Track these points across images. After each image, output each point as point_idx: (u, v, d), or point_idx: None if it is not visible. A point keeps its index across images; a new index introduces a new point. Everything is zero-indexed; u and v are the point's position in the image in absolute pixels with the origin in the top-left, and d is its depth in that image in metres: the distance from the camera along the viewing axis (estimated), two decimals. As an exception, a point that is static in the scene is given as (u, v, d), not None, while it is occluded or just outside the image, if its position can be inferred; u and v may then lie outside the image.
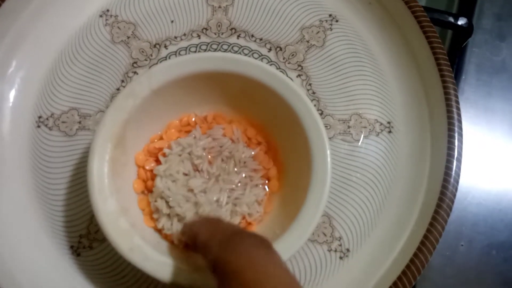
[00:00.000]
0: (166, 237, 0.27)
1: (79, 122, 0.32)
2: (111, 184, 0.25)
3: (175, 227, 0.27)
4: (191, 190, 0.27)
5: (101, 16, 0.35)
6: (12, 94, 0.33)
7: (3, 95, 0.32)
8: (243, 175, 0.29)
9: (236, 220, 0.28)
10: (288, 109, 0.27)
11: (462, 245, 0.37)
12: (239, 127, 0.30)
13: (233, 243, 0.19)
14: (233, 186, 0.28)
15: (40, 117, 0.32)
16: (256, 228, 0.29)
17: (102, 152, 0.25)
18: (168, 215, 0.27)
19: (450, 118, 0.31)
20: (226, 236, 0.20)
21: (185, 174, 0.28)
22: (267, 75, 0.27)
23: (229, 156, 0.29)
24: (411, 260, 0.28)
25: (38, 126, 0.32)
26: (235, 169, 0.29)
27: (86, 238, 0.30)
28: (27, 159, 0.31)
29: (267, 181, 0.30)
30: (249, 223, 0.29)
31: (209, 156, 0.29)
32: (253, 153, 0.30)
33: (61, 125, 0.32)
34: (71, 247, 0.30)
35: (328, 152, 0.26)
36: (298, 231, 0.25)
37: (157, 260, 0.24)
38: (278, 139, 0.30)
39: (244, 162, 0.29)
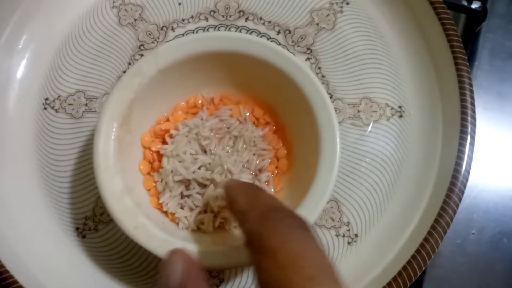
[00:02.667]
0: (172, 218, 0.27)
1: (86, 105, 0.32)
2: (117, 163, 0.25)
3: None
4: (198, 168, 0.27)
5: (108, -2, 0.34)
6: (19, 75, 0.32)
7: (10, 76, 0.32)
8: (253, 153, 0.28)
9: None
10: (296, 89, 0.27)
11: (473, 233, 0.36)
12: (247, 108, 0.30)
13: (272, 220, 0.18)
14: (244, 161, 0.28)
15: (46, 99, 0.32)
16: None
17: (108, 131, 0.25)
18: (171, 192, 0.27)
19: (463, 101, 0.30)
20: (265, 210, 0.19)
21: (192, 155, 0.28)
22: (276, 55, 0.27)
23: (238, 136, 0.29)
24: (421, 245, 0.28)
25: (45, 108, 0.32)
26: (244, 146, 0.28)
27: (91, 220, 0.30)
28: (33, 141, 0.31)
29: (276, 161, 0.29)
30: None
31: (217, 136, 0.28)
32: (261, 133, 0.29)
33: (67, 107, 0.32)
34: (77, 229, 0.30)
35: (337, 132, 0.26)
36: (305, 213, 0.25)
37: (161, 239, 0.24)
38: (286, 120, 0.30)
39: (254, 142, 0.28)
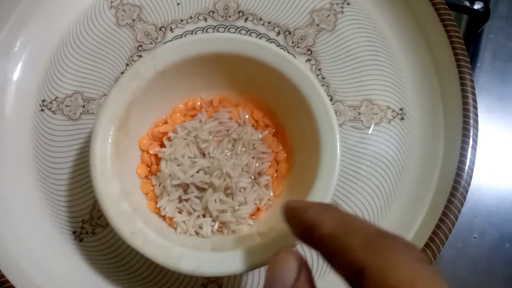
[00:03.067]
0: (170, 223, 0.27)
1: (83, 106, 0.32)
2: (114, 167, 0.25)
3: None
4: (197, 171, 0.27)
5: (106, -2, 0.34)
6: (15, 77, 0.32)
7: (7, 78, 0.32)
8: (252, 156, 0.28)
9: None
10: (296, 91, 0.26)
11: (474, 237, 0.36)
12: (246, 110, 0.29)
13: (389, 249, 0.14)
14: (243, 164, 0.27)
15: (44, 100, 0.32)
16: (265, 214, 0.28)
17: (105, 134, 0.25)
18: (169, 196, 0.26)
19: (465, 104, 0.30)
20: (374, 237, 0.15)
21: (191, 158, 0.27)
22: (275, 57, 0.26)
23: (237, 139, 0.28)
24: (422, 250, 0.27)
25: (42, 110, 0.32)
26: (243, 149, 0.28)
27: (89, 224, 0.29)
28: (30, 143, 0.31)
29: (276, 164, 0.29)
30: (258, 209, 0.28)
31: (215, 138, 0.28)
32: (260, 135, 0.29)
33: (65, 109, 0.32)
34: (74, 232, 0.29)
35: (338, 136, 0.25)
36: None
37: (159, 245, 0.23)
38: (286, 122, 0.29)
39: (253, 145, 0.28)
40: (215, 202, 0.26)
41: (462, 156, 0.29)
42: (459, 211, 0.28)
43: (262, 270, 0.29)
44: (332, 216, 0.17)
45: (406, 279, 0.13)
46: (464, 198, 0.28)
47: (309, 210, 0.18)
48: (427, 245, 0.27)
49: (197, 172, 0.27)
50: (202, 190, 0.27)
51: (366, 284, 0.14)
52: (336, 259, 0.16)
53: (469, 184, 0.29)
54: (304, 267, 0.18)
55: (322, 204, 0.18)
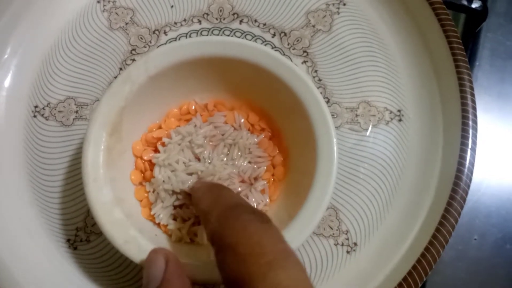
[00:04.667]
0: (165, 230, 0.26)
1: (76, 112, 0.31)
2: (107, 174, 0.24)
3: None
4: (190, 174, 0.26)
5: (98, 1, 0.33)
6: (7, 83, 0.32)
7: (-3, 84, 0.31)
8: (249, 161, 0.27)
9: None
10: (292, 94, 0.26)
11: (475, 239, 0.36)
12: (241, 114, 0.29)
13: (231, 218, 0.19)
14: (239, 169, 0.27)
15: (36, 106, 0.31)
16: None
17: (97, 140, 0.24)
18: (163, 203, 0.26)
19: (464, 105, 0.29)
20: (225, 210, 0.19)
21: (185, 164, 0.27)
22: (270, 60, 0.26)
23: (232, 143, 0.28)
24: (422, 255, 0.27)
25: (34, 116, 0.31)
26: (239, 153, 0.27)
27: (83, 231, 0.29)
28: (23, 150, 0.30)
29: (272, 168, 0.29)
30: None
31: (210, 143, 0.28)
32: (256, 139, 0.28)
33: (57, 114, 0.31)
34: (68, 240, 0.29)
35: (335, 140, 0.25)
36: (301, 224, 0.24)
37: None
38: (282, 126, 0.29)
39: (249, 149, 0.28)
40: None
41: (461, 158, 0.29)
42: (459, 214, 0.27)
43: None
44: (208, 196, 0.22)
45: (236, 235, 0.18)
46: (464, 200, 0.28)
47: (197, 190, 0.24)
48: (426, 249, 0.27)
49: (191, 175, 0.26)
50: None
51: (214, 245, 0.19)
52: (204, 228, 0.21)
53: (468, 186, 0.28)
54: (170, 258, 0.21)
55: (208, 186, 0.24)
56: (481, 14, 0.37)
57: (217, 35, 0.33)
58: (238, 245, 0.17)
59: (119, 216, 0.23)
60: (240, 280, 0.16)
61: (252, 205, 0.27)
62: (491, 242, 0.35)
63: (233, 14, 0.33)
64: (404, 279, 0.26)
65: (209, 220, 0.20)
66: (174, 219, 0.26)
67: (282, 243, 0.18)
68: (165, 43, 0.32)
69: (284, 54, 0.32)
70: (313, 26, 0.33)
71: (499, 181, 0.37)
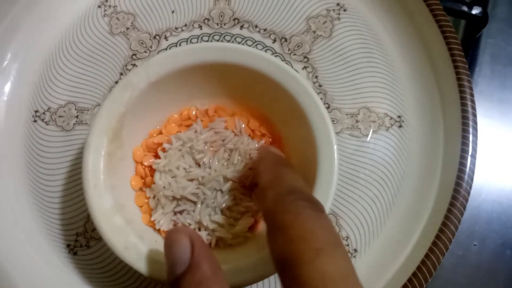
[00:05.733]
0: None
1: (77, 117, 0.31)
2: (107, 180, 0.24)
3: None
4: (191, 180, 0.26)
5: (99, 6, 0.33)
6: (7, 87, 0.32)
7: (-2, 88, 0.31)
8: (249, 167, 0.27)
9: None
10: (292, 100, 0.26)
11: (475, 244, 0.36)
12: (242, 120, 0.29)
13: (288, 202, 0.19)
14: (239, 175, 0.27)
15: (36, 111, 0.31)
16: (262, 226, 0.27)
17: (98, 146, 0.24)
18: (163, 209, 0.26)
19: (464, 112, 0.29)
20: (283, 192, 0.20)
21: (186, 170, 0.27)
22: (270, 66, 0.26)
23: (233, 149, 0.28)
24: (422, 262, 0.27)
25: (35, 121, 0.31)
26: (240, 158, 0.27)
27: (83, 237, 0.29)
28: (23, 155, 0.30)
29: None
30: (256, 221, 0.27)
31: (211, 149, 0.28)
32: (257, 145, 0.28)
33: (58, 119, 0.31)
34: (68, 245, 0.29)
35: (335, 146, 0.25)
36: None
37: (153, 260, 0.23)
38: (283, 132, 0.29)
39: (250, 155, 0.28)
40: (209, 216, 0.26)
41: (462, 164, 0.29)
42: (459, 220, 0.27)
43: (260, 284, 0.28)
44: (270, 171, 0.22)
45: (290, 218, 0.18)
46: (464, 207, 0.28)
47: (261, 162, 0.24)
48: (427, 256, 0.27)
49: (191, 181, 0.26)
50: (195, 203, 0.26)
51: (267, 223, 0.20)
52: (260, 203, 0.22)
53: (469, 193, 0.28)
54: (195, 238, 0.20)
55: (272, 160, 0.24)
56: (482, 20, 0.37)
57: (218, 40, 0.33)
58: (291, 227, 0.18)
59: (119, 222, 0.23)
60: (289, 260, 0.17)
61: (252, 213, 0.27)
62: (492, 248, 0.35)
63: (234, 19, 0.33)
64: (404, 286, 0.26)
65: (266, 197, 0.20)
66: (175, 225, 0.26)
67: (333, 233, 0.18)
68: (166, 48, 0.33)
69: (284, 60, 0.32)
70: (314, 31, 0.33)
71: (500, 187, 0.37)
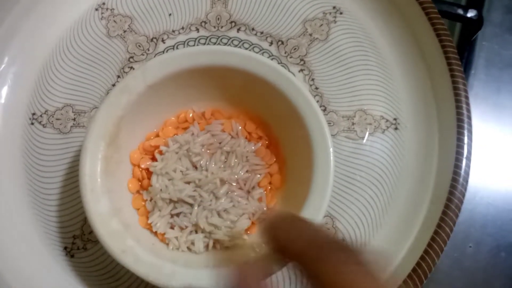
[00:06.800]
0: (162, 239, 0.26)
1: (74, 119, 0.31)
2: (104, 184, 0.24)
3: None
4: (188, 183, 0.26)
5: (96, 9, 0.34)
6: (4, 91, 0.32)
7: (-5, 91, 0.31)
8: (246, 169, 0.28)
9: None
10: (289, 105, 0.26)
11: (470, 246, 0.36)
12: (239, 122, 0.29)
13: (324, 260, 0.18)
14: (236, 177, 0.27)
15: (33, 114, 0.31)
16: (259, 228, 0.28)
17: (95, 150, 0.24)
18: (160, 211, 0.26)
19: (459, 114, 0.30)
20: (313, 247, 0.18)
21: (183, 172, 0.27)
22: (266, 69, 0.26)
23: (230, 151, 0.28)
24: (418, 264, 0.27)
25: (32, 123, 0.31)
26: (236, 160, 0.28)
27: (80, 239, 0.29)
28: (20, 158, 0.31)
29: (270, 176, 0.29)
30: (253, 223, 0.28)
31: (208, 151, 0.28)
32: (253, 148, 0.28)
33: (55, 122, 0.31)
34: (65, 248, 0.29)
35: (331, 149, 0.25)
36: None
37: (150, 263, 0.23)
38: (279, 134, 0.29)
39: (246, 157, 0.28)
40: (206, 219, 0.26)
41: (457, 166, 0.29)
42: (454, 223, 0.28)
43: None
44: (300, 236, 0.19)
45: (339, 280, 0.17)
46: (459, 209, 0.28)
47: (279, 230, 0.20)
48: (422, 258, 0.27)
49: (188, 183, 0.26)
50: (192, 205, 0.26)
51: (307, 277, 0.18)
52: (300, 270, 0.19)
53: (463, 195, 0.28)
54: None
55: (289, 220, 0.21)
56: (477, 23, 0.37)
57: (215, 43, 0.33)
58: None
59: (116, 226, 0.24)
60: None
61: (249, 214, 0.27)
62: (487, 251, 0.36)
63: (231, 22, 0.33)
64: (400, 288, 0.27)
65: (291, 252, 0.19)
66: (172, 227, 0.26)
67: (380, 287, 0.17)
68: (163, 51, 0.33)
69: (281, 63, 0.32)
70: (310, 34, 0.33)
71: (495, 190, 0.37)
